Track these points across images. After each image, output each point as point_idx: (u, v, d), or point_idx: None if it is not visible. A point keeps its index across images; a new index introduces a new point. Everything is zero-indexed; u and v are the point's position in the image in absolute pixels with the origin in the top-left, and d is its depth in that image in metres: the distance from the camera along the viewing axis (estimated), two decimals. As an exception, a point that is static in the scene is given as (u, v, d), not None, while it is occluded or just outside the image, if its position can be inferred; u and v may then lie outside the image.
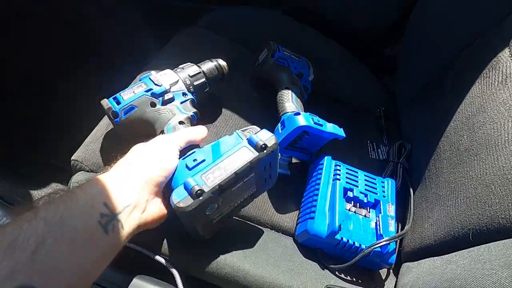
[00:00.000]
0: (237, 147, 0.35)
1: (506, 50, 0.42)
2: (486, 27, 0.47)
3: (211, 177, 0.33)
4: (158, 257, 0.37)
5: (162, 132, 0.43)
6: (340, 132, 0.53)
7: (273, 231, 0.48)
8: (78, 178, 0.44)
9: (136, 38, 0.88)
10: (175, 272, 0.35)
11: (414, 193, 0.51)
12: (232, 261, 0.39)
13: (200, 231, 0.36)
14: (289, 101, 0.56)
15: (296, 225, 0.49)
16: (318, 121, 0.52)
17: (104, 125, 0.51)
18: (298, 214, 0.50)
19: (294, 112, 0.53)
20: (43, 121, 0.79)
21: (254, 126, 0.39)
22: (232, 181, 0.33)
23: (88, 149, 0.47)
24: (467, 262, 0.31)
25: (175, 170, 0.36)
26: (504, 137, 0.38)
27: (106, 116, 0.52)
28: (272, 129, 0.55)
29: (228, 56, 0.66)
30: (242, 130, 0.38)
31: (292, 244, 0.47)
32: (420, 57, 0.63)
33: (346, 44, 0.74)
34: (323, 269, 0.44)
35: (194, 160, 0.35)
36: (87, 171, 0.46)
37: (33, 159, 0.74)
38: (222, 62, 0.55)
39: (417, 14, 0.66)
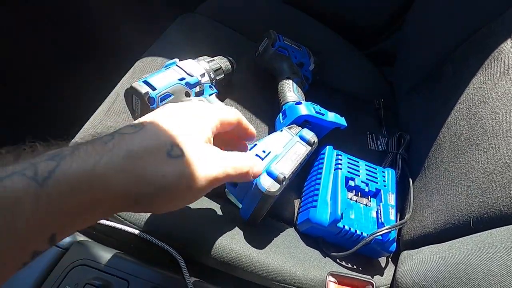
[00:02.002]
0: (292, 142, 0.42)
1: (509, 41, 0.43)
2: (488, 17, 0.47)
3: (283, 167, 0.39)
4: (162, 243, 0.36)
5: None
6: (342, 121, 0.53)
7: (274, 220, 0.48)
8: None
9: (134, 25, 0.86)
10: (179, 258, 0.35)
11: (413, 183, 0.52)
12: (237, 247, 0.39)
13: (263, 215, 0.41)
14: (290, 91, 0.56)
15: (298, 214, 0.49)
16: (320, 110, 0.52)
17: (102, 112, 0.50)
18: (300, 203, 0.50)
19: (295, 102, 0.53)
20: (40, 113, 0.77)
21: (294, 125, 0.47)
22: (297, 170, 0.40)
23: (86, 135, 0.46)
24: (471, 247, 0.31)
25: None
26: (505, 127, 0.38)
27: (104, 103, 0.51)
28: (273, 119, 0.56)
29: (228, 44, 0.65)
30: (288, 128, 0.45)
31: (294, 232, 0.47)
32: (420, 47, 0.64)
33: (345, 34, 0.73)
34: (325, 257, 0.45)
35: (264, 151, 0.40)
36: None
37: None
38: (233, 60, 0.56)
39: (418, 3, 0.66)
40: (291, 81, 0.57)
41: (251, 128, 0.32)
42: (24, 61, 0.79)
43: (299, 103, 0.51)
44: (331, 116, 0.52)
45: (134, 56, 0.60)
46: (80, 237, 0.37)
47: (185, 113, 0.24)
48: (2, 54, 0.75)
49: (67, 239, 0.35)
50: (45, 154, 0.18)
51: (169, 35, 0.64)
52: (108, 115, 0.49)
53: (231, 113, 0.29)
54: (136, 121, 0.23)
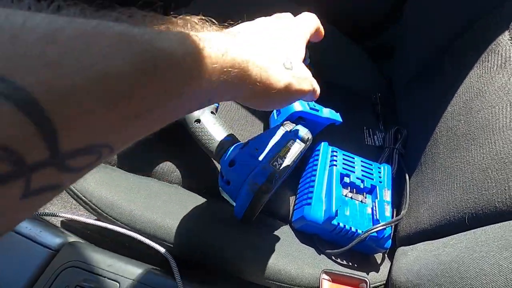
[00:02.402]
0: (286, 139, 0.42)
1: (506, 33, 0.42)
2: (486, 9, 0.46)
3: (276, 164, 0.38)
4: (153, 244, 0.36)
5: (198, 121, 0.43)
6: (337, 117, 0.53)
7: (269, 217, 0.48)
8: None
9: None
10: (170, 257, 0.35)
11: (409, 178, 0.52)
12: (230, 245, 0.39)
13: (257, 213, 0.41)
14: None
15: (293, 211, 0.49)
16: (314, 106, 0.51)
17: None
18: (295, 200, 0.50)
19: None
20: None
21: (288, 122, 0.46)
22: (291, 167, 0.40)
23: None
24: (464, 245, 0.31)
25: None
26: (502, 122, 0.38)
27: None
28: (268, 115, 0.55)
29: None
30: (283, 125, 0.44)
31: (288, 230, 0.47)
32: (418, 40, 0.62)
33: (343, 28, 0.72)
34: (320, 254, 0.45)
35: (256, 149, 0.39)
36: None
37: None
38: None
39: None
40: None
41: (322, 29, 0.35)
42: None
43: None
44: (326, 112, 0.51)
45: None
46: (72, 238, 0.37)
47: (286, 33, 0.29)
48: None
49: (58, 241, 0.35)
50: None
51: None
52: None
53: (313, 26, 0.33)
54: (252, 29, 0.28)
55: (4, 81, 0.10)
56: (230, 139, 0.42)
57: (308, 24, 0.32)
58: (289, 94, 0.26)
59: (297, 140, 0.42)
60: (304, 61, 0.67)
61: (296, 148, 0.41)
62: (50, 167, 0.12)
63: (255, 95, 0.24)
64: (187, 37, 0.17)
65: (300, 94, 0.27)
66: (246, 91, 0.23)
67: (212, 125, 0.42)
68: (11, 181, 0.11)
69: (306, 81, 0.28)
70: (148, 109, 0.15)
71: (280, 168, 0.38)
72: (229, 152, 0.40)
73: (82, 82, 0.11)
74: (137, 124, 0.15)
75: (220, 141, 0.41)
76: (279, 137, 0.42)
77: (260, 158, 0.39)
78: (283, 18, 0.31)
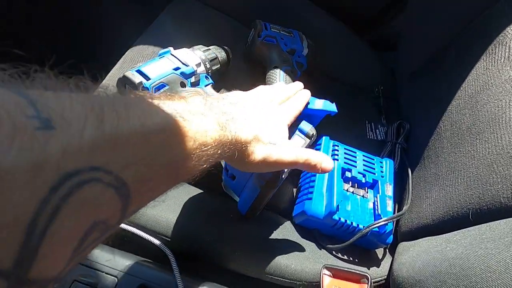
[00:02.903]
0: (291, 135, 0.41)
1: (515, 24, 0.41)
2: (493, 0, 0.45)
3: None
4: (152, 238, 0.36)
5: None
6: (331, 107, 0.51)
7: (270, 212, 0.48)
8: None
9: (123, 12, 0.83)
10: (169, 252, 0.34)
11: (412, 173, 0.51)
12: (230, 240, 0.39)
13: (261, 209, 0.41)
14: (276, 80, 0.54)
15: (293, 206, 0.48)
16: (304, 99, 0.50)
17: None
18: (295, 195, 0.49)
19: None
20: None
21: None
22: None
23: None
24: (469, 241, 0.30)
25: None
26: (508, 116, 0.37)
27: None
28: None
29: (222, 31, 0.63)
30: None
31: (289, 224, 0.47)
32: (423, 31, 0.61)
33: (345, 19, 0.71)
34: (320, 249, 0.44)
35: None
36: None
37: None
38: (229, 50, 0.54)
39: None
40: (278, 70, 0.55)
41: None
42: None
43: None
44: (319, 104, 0.50)
45: (124, 44, 0.58)
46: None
47: (267, 117, 0.32)
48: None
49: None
50: (223, 111, 0.25)
51: (161, 22, 0.61)
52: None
53: (302, 105, 0.39)
54: (240, 107, 0.29)
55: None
56: None
57: (296, 109, 0.37)
58: (267, 165, 0.29)
59: (302, 136, 0.42)
60: (303, 52, 0.65)
61: (301, 144, 0.41)
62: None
63: (234, 162, 0.29)
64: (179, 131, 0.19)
65: (282, 165, 0.31)
66: (224, 158, 0.27)
67: None
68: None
69: (290, 152, 0.31)
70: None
71: None
72: None
73: None
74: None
75: None
76: None
77: None
78: (274, 97, 0.36)
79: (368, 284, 0.38)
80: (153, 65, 0.43)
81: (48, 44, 0.80)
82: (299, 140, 0.41)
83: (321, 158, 0.33)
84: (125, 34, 0.63)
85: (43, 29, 0.80)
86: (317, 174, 0.47)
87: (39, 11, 0.79)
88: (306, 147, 0.41)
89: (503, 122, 0.37)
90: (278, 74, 0.54)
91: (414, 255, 0.38)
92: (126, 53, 0.56)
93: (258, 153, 0.28)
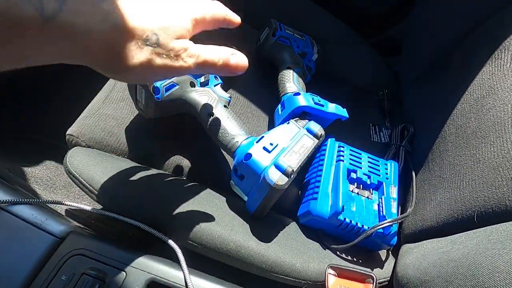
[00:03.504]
0: (300, 135, 0.42)
1: (521, 30, 0.41)
2: (500, 5, 0.45)
3: (291, 160, 0.38)
4: (160, 234, 0.36)
5: (211, 115, 0.42)
6: (343, 112, 0.52)
7: (275, 211, 0.48)
8: (74, 153, 0.42)
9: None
10: (177, 248, 0.34)
11: (416, 175, 0.51)
12: (236, 238, 0.39)
13: (269, 208, 0.41)
14: (290, 81, 0.55)
15: (299, 205, 0.49)
16: (319, 101, 0.51)
17: (100, 100, 0.48)
18: (301, 195, 0.50)
19: (294, 93, 0.51)
20: (35, 99, 0.76)
21: (297, 118, 0.47)
22: (304, 163, 0.40)
23: (84, 123, 0.45)
24: (475, 242, 0.31)
25: None
26: (514, 120, 0.37)
27: (102, 91, 0.50)
28: (273, 110, 0.54)
29: (230, 31, 0.63)
30: (295, 120, 0.45)
31: (294, 224, 0.47)
32: (429, 34, 0.62)
33: (351, 22, 0.71)
34: (325, 249, 0.44)
35: (271, 143, 0.39)
36: (83, 146, 0.44)
37: (24, 136, 0.71)
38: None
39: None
40: (291, 71, 0.55)
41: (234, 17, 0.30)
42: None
43: (298, 93, 0.50)
44: (332, 107, 0.51)
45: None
46: (78, 227, 0.37)
47: (161, 2, 0.24)
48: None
49: (63, 229, 0.34)
50: None
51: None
52: (106, 103, 0.48)
53: (208, 9, 0.27)
54: None
55: None
56: (244, 133, 0.42)
57: (201, 5, 0.27)
58: (149, 70, 0.23)
59: (311, 136, 0.43)
60: (312, 56, 0.66)
61: (310, 144, 0.41)
62: None
63: (100, 68, 0.22)
64: None
65: (167, 71, 0.24)
66: (79, 62, 0.21)
67: (225, 119, 0.42)
68: None
69: (177, 58, 0.24)
70: None
71: (295, 163, 0.38)
72: (244, 146, 0.40)
73: None
74: None
75: (234, 135, 0.41)
76: (293, 133, 0.42)
77: (275, 152, 0.39)
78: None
79: (373, 284, 0.38)
80: None
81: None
82: (307, 140, 0.42)
83: (226, 12, 0.27)
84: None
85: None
86: (322, 175, 0.47)
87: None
88: (315, 147, 0.42)
89: (509, 126, 0.37)
90: (292, 75, 0.54)
91: (419, 256, 0.39)
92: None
93: (133, 55, 0.22)
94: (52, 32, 0.18)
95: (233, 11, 0.30)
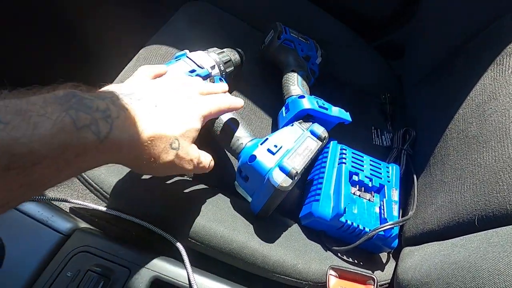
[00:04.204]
0: (303, 137, 0.43)
1: (523, 36, 0.42)
2: (503, 10, 0.46)
3: (295, 162, 0.39)
4: (164, 233, 0.36)
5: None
6: (346, 116, 0.53)
7: (277, 213, 0.48)
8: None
9: (137, 13, 0.85)
10: (181, 247, 0.35)
11: (418, 179, 0.52)
12: (238, 238, 0.39)
13: (273, 209, 0.42)
14: (294, 84, 0.55)
15: (300, 207, 0.49)
16: (323, 104, 0.51)
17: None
18: (303, 197, 0.50)
19: (298, 95, 0.52)
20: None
21: (301, 120, 0.47)
22: (308, 164, 0.41)
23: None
24: (475, 246, 0.31)
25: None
26: (515, 125, 0.38)
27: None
28: (277, 112, 0.55)
29: (234, 34, 0.64)
30: (299, 123, 0.46)
31: (296, 226, 0.47)
32: (432, 38, 0.62)
33: (354, 25, 0.72)
34: (326, 251, 0.45)
35: (275, 145, 0.40)
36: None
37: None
38: (242, 53, 0.55)
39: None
40: (296, 74, 0.56)
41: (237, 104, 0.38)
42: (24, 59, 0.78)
43: (302, 96, 0.51)
44: (335, 111, 0.51)
45: (137, 43, 0.59)
46: (83, 224, 0.37)
47: (183, 111, 0.30)
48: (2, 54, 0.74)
49: (69, 226, 0.35)
50: (96, 106, 0.23)
51: (174, 23, 0.62)
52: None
53: (217, 106, 0.34)
54: (148, 104, 0.28)
55: None
56: (249, 134, 0.42)
57: (208, 103, 0.33)
58: (170, 169, 0.30)
59: (314, 138, 0.43)
60: (316, 60, 0.67)
61: (314, 146, 0.42)
62: None
63: (134, 168, 0.29)
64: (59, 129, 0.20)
65: (180, 171, 0.31)
66: (121, 164, 0.27)
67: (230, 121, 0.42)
68: None
69: (189, 162, 0.31)
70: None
71: (299, 165, 0.39)
72: (248, 148, 0.40)
73: None
74: None
75: (239, 136, 0.41)
76: (297, 135, 0.43)
77: (280, 154, 0.39)
78: (188, 89, 0.32)
79: (374, 285, 0.38)
80: (170, 67, 0.44)
81: (54, 45, 0.81)
82: (311, 142, 0.42)
83: (229, 102, 0.35)
84: (138, 34, 0.64)
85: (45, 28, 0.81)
86: (325, 177, 0.47)
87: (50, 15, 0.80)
88: (318, 149, 0.42)
89: (510, 131, 0.38)
90: (296, 78, 0.55)
91: (419, 259, 0.39)
92: (140, 51, 0.57)
93: (163, 157, 0.28)
94: (106, 149, 0.23)
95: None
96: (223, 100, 0.35)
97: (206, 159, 0.34)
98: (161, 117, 0.28)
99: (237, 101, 0.37)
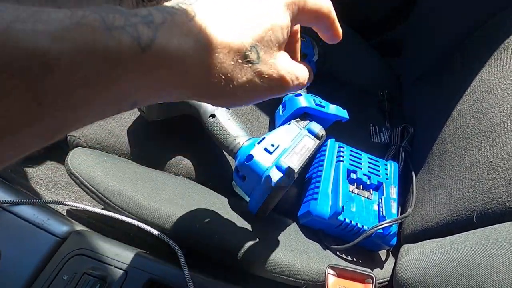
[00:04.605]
0: (301, 136, 0.42)
1: (520, 31, 0.41)
2: (500, 6, 0.46)
3: (292, 160, 0.39)
4: (161, 235, 0.36)
5: (213, 116, 0.42)
6: (344, 113, 0.52)
7: (275, 212, 0.48)
8: (75, 154, 0.42)
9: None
10: (177, 248, 0.35)
11: (416, 176, 0.51)
12: (236, 238, 0.39)
13: (271, 208, 0.42)
14: None
15: (298, 206, 0.49)
16: (320, 102, 0.51)
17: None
18: (301, 195, 0.50)
19: (295, 94, 0.52)
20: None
21: (298, 119, 0.47)
22: (305, 163, 0.40)
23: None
24: (474, 243, 0.31)
25: None
26: (513, 121, 0.37)
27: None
28: (274, 111, 0.55)
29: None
30: (296, 121, 0.45)
31: (294, 225, 0.47)
32: (428, 37, 0.62)
33: (351, 23, 0.71)
34: (325, 249, 0.45)
35: (272, 145, 0.40)
36: (84, 146, 0.44)
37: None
38: None
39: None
40: None
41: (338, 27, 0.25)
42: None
43: (299, 95, 0.50)
44: (332, 109, 0.51)
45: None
46: (78, 227, 0.37)
47: (261, 5, 0.20)
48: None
49: (65, 229, 0.35)
50: (135, 12, 0.16)
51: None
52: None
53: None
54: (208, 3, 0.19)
55: None
56: (246, 134, 0.42)
57: None
58: (253, 93, 0.20)
59: (312, 137, 0.43)
60: (313, 57, 0.66)
61: (311, 145, 0.42)
62: None
63: (197, 97, 0.20)
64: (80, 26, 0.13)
65: (271, 94, 0.22)
66: (181, 94, 0.19)
67: (227, 120, 0.42)
68: None
69: (278, 80, 0.21)
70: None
71: (296, 164, 0.39)
72: (245, 147, 0.40)
73: None
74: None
75: (236, 136, 0.41)
76: (294, 134, 0.43)
77: (277, 153, 0.39)
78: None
79: (372, 284, 0.38)
80: None
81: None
82: (308, 141, 0.42)
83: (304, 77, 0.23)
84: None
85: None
86: (322, 175, 0.47)
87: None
88: (316, 148, 0.42)
89: (508, 127, 0.37)
90: None
91: (418, 256, 0.39)
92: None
93: (235, 77, 0.19)
94: (150, 62, 0.16)
95: None
96: None
97: (303, 73, 0.23)
98: (223, 15, 0.19)
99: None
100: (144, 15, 0.16)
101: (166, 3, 0.19)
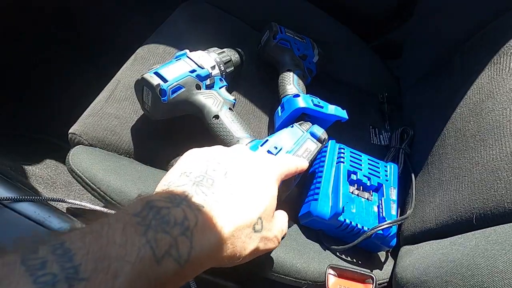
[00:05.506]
0: (303, 139, 0.43)
1: (519, 35, 0.42)
2: (500, 10, 0.46)
3: None
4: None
5: (216, 117, 0.42)
6: (343, 114, 0.53)
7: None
8: (76, 152, 0.42)
9: (134, 12, 0.84)
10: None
11: (416, 178, 0.52)
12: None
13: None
14: (290, 83, 0.55)
15: (298, 207, 0.49)
16: (319, 103, 0.51)
17: (103, 99, 0.49)
18: (301, 196, 0.50)
19: (293, 94, 0.52)
20: (37, 99, 0.76)
21: (301, 121, 0.47)
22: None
23: (87, 122, 0.45)
24: (474, 244, 0.31)
25: None
26: (512, 124, 0.38)
27: (105, 90, 0.51)
28: (273, 111, 0.55)
29: (232, 33, 0.64)
30: (299, 124, 0.46)
31: (294, 225, 0.47)
32: (428, 40, 0.63)
33: (351, 25, 0.72)
34: (325, 250, 0.45)
35: (275, 147, 0.40)
36: (86, 145, 0.44)
37: (25, 135, 0.71)
38: (242, 53, 0.55)
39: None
40: (291, 73, 0.56)
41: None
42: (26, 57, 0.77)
43: (297, 95, 0.51)
44: (331, 109, 0.51)
45: (134, 43, 0.58)
46: (79, 225, 0.37)
47: (257, 183, 0.27)
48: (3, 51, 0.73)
49: (66, 226, 0.34)
50: (174, 221, 0.20)
51: (172, 22, 0.62)
52: (109, 102, 0.48)
53: (288, 167, 0.32)
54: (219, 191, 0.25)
55: None
56: (249, 135, 0.42)
57: (281, 166, 0.31)
58: (255, 255, 0.26)
59: (314, 140, 0.43)
60: (313, 58, 0.67)
61: (313, 148, 0.42)
62: None
63: (217, 265, 0.24)
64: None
65: (264, 253, 0.28)
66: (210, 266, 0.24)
67: (230, 121, 0.42)
68: None
69: (273, 240, 0.28)
70: None
71: None
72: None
73: None
74: None
75: (239, 137, 0.41)
76: (297, 137, 0.43)
77: (278, 155, 0.40)
78: (250, 160, 0.28)
79: (373, 284, 0.38)
80: (171, 67, 0.43)
81: (51, 40, 0.81)
82: (311, 144, 0.42)
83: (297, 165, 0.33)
84: (135, 33, 0.64)
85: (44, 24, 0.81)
86: (323, 176, 0.47)
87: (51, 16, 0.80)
88: (317, 151, 0.43)
89: (508, 130, 0.38)
90: (292, 77, 0.55)
91: (418, 257, 0.39)
92: (137, 51, 0.57)
93: (247, 246, 0.24)
94: (187, 272, 0.20)
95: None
96: (292, 162, 0.33)
97: (285, 224, 0.31)
98: (238, 204, 0.24)
99: (303, 162, 0.36)
100: (181, 222, 0.20)
101: (189, 197, 0.23)
